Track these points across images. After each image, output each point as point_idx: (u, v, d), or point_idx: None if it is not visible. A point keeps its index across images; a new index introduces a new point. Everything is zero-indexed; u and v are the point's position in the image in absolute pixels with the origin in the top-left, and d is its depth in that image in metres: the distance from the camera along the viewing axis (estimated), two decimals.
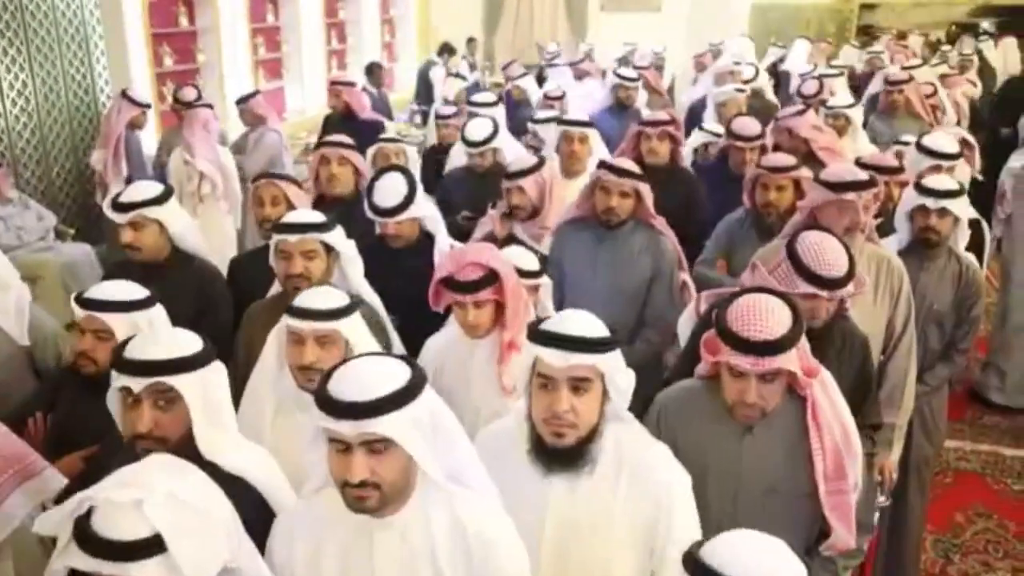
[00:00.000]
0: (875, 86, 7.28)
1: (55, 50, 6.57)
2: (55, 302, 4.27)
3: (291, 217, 2.74)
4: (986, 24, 11.59)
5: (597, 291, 3.18)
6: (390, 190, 3.09)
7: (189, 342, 1.84)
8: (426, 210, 3.21)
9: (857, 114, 5.45)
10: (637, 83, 6.19)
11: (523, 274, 2.69)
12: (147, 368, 1.76)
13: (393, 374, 1.55)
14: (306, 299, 2.19)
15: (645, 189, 3.22)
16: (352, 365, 1.59)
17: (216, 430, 1.84)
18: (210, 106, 5.63)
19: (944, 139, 3.90)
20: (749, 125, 4.34)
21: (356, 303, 2.28)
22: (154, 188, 2.94)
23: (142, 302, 2.30)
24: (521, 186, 3.51)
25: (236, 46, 8.06)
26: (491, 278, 2.39)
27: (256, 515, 1.73)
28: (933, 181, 3.18)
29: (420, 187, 3.20)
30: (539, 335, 1.80)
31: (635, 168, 3.24)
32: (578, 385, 1.77)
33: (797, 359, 1.96)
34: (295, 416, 2.17)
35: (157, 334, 1.97)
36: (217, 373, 1.87)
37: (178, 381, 1.77)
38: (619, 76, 6.16)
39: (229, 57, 7.99)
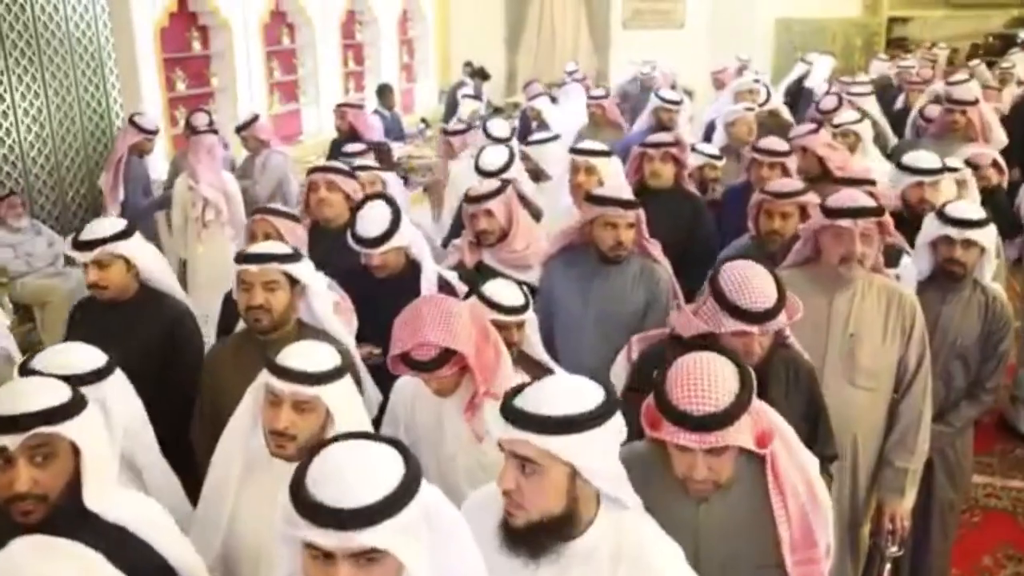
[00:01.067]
0: (902, 103, 7.10)
1: (70, 76, 6.59)
2: (62, 327, 4.24)
3: (254, 247, 2.63)
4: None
5: (589, 324, 3.05)
6: (373, 220, 2.99)
7: (57, 389, 1.68)
8: (411, 238, 3.09)
9: (866, 130, 5.25)
10: (679, 105, 6.06)
11: (507, 310, 2.55)
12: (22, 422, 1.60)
13: (385, 471, 1.33)
14: (290, 356, 1.96)
15: (641, 215, 3.08)
16: (335, 459, 1.35)
17: (102, 479, 1.70)
18: (215, 131, 5.57)
19: (926, 156, 3.77)
20: (775, 142, 4.20)
21: (345, 366, 2.05)
22: (117, 223, 2.85)
23: (92, 375, 2.02)
24: (489, 209, 3.36)
25: (250, 69, 8.05)
26: (448, 355, 2.21)
27: (146, 564, 1.61)
28: (957, 209, 2.98)
29: (405, 216, 3.09)
30: (503, 406, 1.59)
31: (631, 196, 3.10)
32: (524, 464, 1.54)
33: (749, 429, 1.75)
34: (264, 481, 1.99)
35: (18, 385, 1.77)
36: (93, 418, 1.72)
37: (66, 429, 1.63)
38: (660, 98, 6.03)
39: (243, 81, 7.98)
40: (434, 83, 11.86)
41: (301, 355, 1.96)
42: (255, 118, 6.10)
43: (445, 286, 3.04)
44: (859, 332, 2.52)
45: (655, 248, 3.15)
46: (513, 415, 1.53)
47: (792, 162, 4.14)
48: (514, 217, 3.40)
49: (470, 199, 3.40)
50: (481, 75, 9.96)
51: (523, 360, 2.63)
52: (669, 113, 5.96)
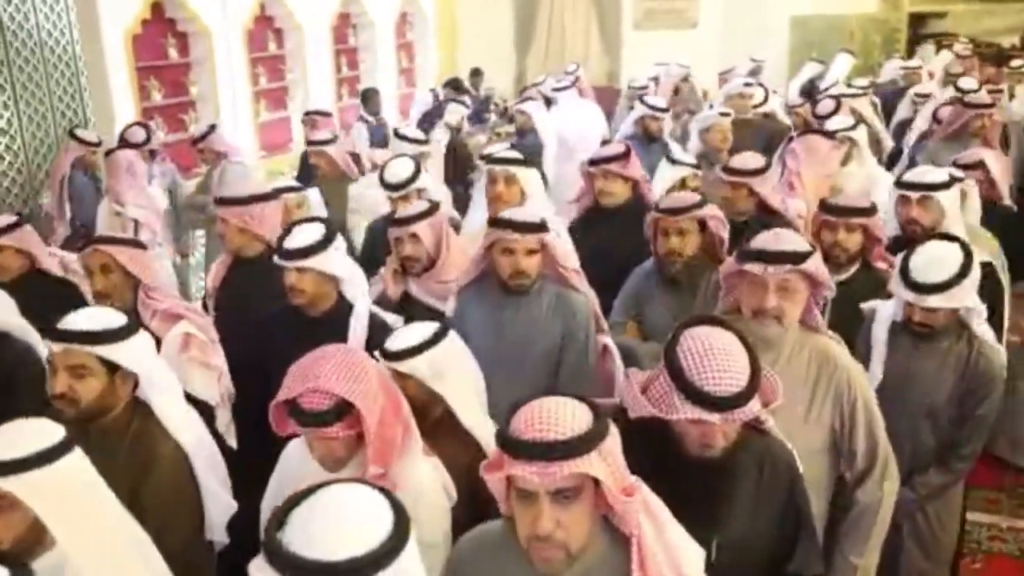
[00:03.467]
0: (904, 110, 6.65)
1: (42, 87, 6.37)
2: None
3: (63, 321, 2.12)
4: None
5: (503, 360, 2.72)
6: (303, 233, 2.74)
7: None
8: (343, 270, 2.79)
9: (862, 136, 4.85)
10: (666, 113, 5.70)
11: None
12: None
13: (377, 520, 1.27)
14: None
15: (551, 240, 2.73)
16: (322, 506, 1.29)
17: None
18: (136, 146, 5.27)
19: (921, 169, 3.42)
20: (746, 159, 3.80)
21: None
22: None
23: None
24: (415, 233, 3.03)
25: (233, 77, 7.79)
26: (344, 410, 1.89)
27: None
28: (919, 266, 2.47)
29: (341, 242, 2.80)
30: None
31: (535, 218, 2.74)
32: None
33: (604, 466, 1.46)
34: None
35: None
36: None
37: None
38: (646, 104, 5.65)
39: (225, 89, 7.73)
40: (437, 88, 11.57)
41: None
42: (211, 129, 5.86)
43: (382, 329, 2.70)
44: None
45: (576, 276, 2.80)
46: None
47: (762, 182, 3.74)
48: (444, 242, 3.07)
49: (395, 221, 3.09)
50: (455, 87, 9.46)
51: (446, 431, 2.27)
52: (657, 122, 5.61)
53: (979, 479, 3.20)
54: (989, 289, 3.07)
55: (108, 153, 5.23)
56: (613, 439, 1.51)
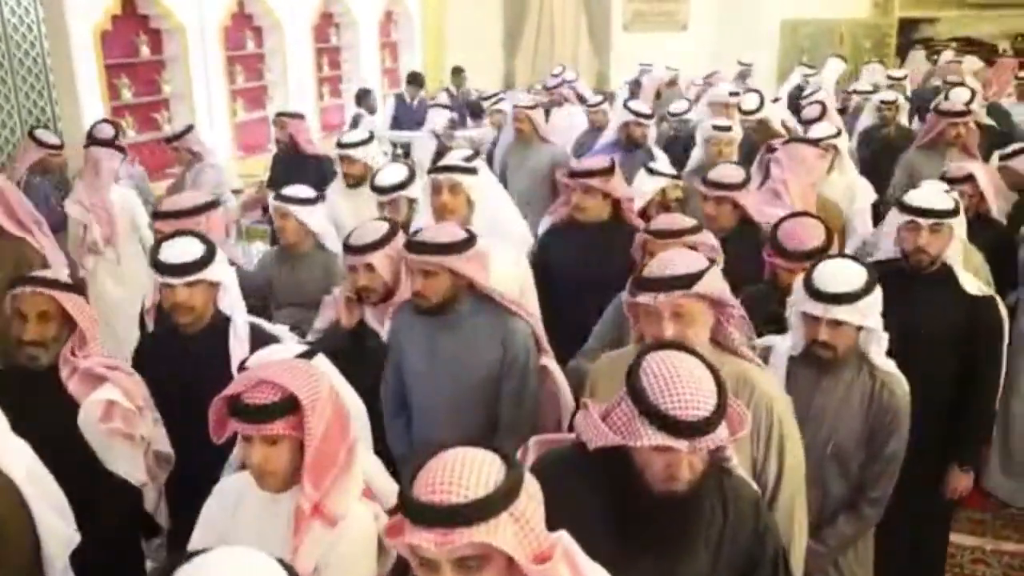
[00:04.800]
0: (867, 118, 6.49)
1: (7, 83, 6.17)
2: None
3: None
4: None
5: (439, 387, 2.55)
6: (182, 246, 2.54)
7: None
8: (228, 275, 2.61)
9: (844, 144, 4.69)
10: (651, 119, 5.45)
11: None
12: None
13: None
14: None
15: (459, 263, 2.48)
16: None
17: None
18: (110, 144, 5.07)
19: (931, 193, 3.04)
20: (727, 172, 3.57)
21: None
22: None
23: None
24: (370, 263, 2.81)
25: (208, 75, 7.60)
26: (289, 405, 1.75)
27: None
28: (824, 275, 2.32)
29: (221, 251, 2.61)
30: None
31: (442, 238, 2.51)
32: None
33: (513, 531, 1.31)
34: None
35: None
36: None
37: None
38: (630, 110, 5.41)
39: (200, 87, 7.54)
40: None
41: None
42: (188, 129, 5.67)
43: (269, 342, 2.49)
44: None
45: (513, 302, 2.61)
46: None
47: (745, 195, 3.56)
48: (402, 271, 2.84)
49: (348, 248, 2.85)
50: (417, 82, 9.14)
51: None
52: (641, 128, 5.40)
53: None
54: (988, 325, 2.92)
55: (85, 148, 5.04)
56: (529, 498, 1.35)
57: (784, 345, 2.46)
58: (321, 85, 9.38)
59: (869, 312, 2.31)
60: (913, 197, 2.94)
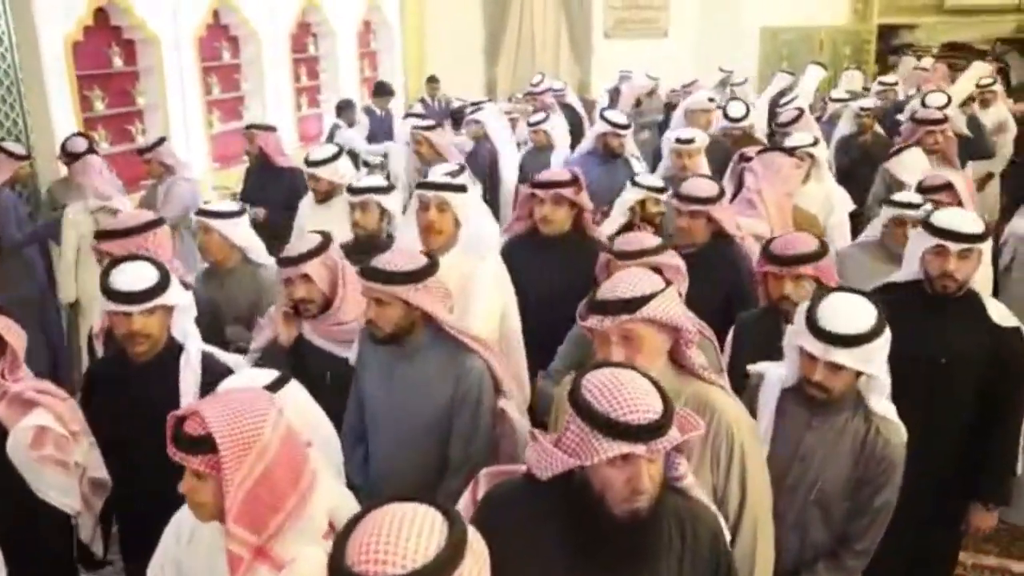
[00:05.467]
0: (845, 126, 6.48)
1: None
2: None
3: None
4: None
5: (394, 419, 2.47)
6: (135, 272, 2.44)
7: None
8: (181, 300, 2.53)
9: (821, 152, 4.66)
10: (627, 129, 5.41)
11: None
12: None
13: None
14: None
15: (411, 294, 2.38)
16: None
17: None
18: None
19: (960, 215, 2.87)
20: (699, 186, 3.52)
21: None
22: None
23: None
24: (306, 273, 2.74)
25: (183, 86, 7.51)
26: (209, 444, 1.68)
27: None
28: (827, 313, 2.16)
29: (174, 276, 2.53)
30: None
31: (397, 266, 2.41)
32: None
33: None
34: None
35: None
36: None
37: None
38: (607, 120, 5.36)
39: (175, 98, 7.44)
40: (401, 97, 11.33)
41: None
42: (160, 141, 5.61)
43: (223, 372, 2.42)
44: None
45: (472, 338, 2.51)
46: None
47: (721, 209, 3.51)
48: (340, 280, 2.79)
49: (282, 260, 2.79)
50: (384, 92, 9.01)
51: None
52: (618, 138, 5.35)
53: None
54: (1015, 356, 2.78)
55: (70, 161, 5.13)
56: (474, 560, 1.29)
57: (777, 373, 2.33)
58: (299, 95, 9.29)
59: (873, 358, 2.16)
60: (941, 219, 2.76)
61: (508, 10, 12.81)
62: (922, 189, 3.88)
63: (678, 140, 4.80)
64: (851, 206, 4.77)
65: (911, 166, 4.66)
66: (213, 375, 2.35)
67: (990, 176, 6.99)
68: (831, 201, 4.60)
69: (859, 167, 5.76)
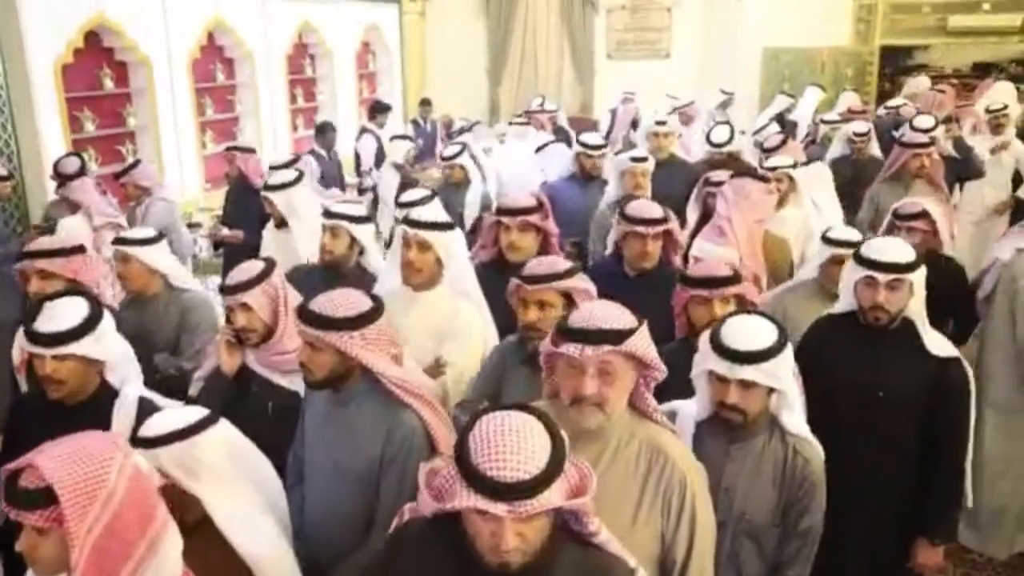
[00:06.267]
0: (837, 148, 6.39)
1: None
2: None
3: None
4: None
5: (327, 469, 2.36)
6: (61, 310, 2.37)
7: None
8: (110, 351, 2.44)
9: (800, 175, 4.58)
10: (600, 150, 5.36)
11: None
12: None
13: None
14: None
15: (344, 342, 2.25)
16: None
17: None
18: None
19: (888, 244, 2.81)
20: (644, 208, 3.46)
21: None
22: None
23: None
24: (245, 302, 2.68)
25: (176, 108, 7.54)
26: (48, 498, 1.57)
27: None
28: (732, 331, 2.18)
29: (109, 320, 2.45)
30: None
31: (333, 310, 2.27)
32: None
33: None
34: None
35: None
36: None
37: None
38: (581, 143, 5.32)
39: (167, 120, 7.47)
40: (401, 119, 11.35)
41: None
42: (135, 164, 5.62)
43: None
44: (603, 504, 1.73)
45: (412, 392, 2.37)
46: None
47: (676, 228, 3.45)
48: (282, 308, 2.72)
49: (224, 289, 2.73)
50: (379, 109, 8.83)
51: (206, 539, 1.93)
52: (591, 160, 5.31)
53: None
54: (954, 387, 2.73)
55: (62, 183, 5.13)
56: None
57: (690, 409, 2.29)
58: (295, 116, 9.31)
59: (780, 372, 2.15)
60: (870, 249, 2.73)
61: (511, 31, 12.83)
62: (897, 216, 3.80)
63: (633, 159, 4.73)
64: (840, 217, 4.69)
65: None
66: (145, 417, 2.28)
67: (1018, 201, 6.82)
68: (809, 226, 4.50)
69: (852, 187, 5.68)
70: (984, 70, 10.73)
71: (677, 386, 2.24)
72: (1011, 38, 10.71)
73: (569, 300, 2.59)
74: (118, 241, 3.45)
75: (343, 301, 2.30)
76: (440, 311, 3.11)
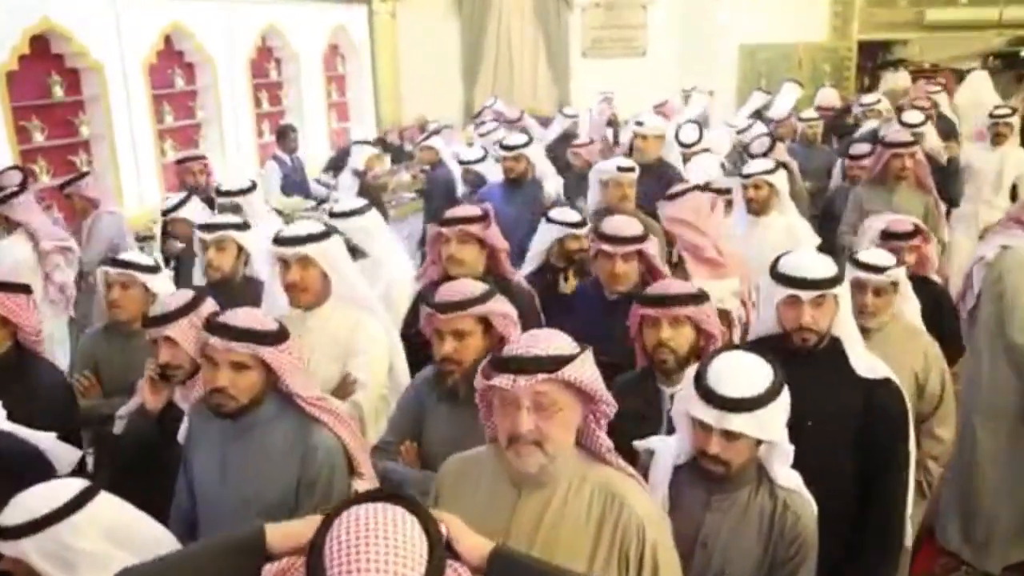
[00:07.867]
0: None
1: None
2: None
3: None
4: None
5: (230, 507, 2.14)
6: None
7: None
8: None
9: (781, 181, 4.34)
10: (517, 151, 5.13)
11: None
12: None
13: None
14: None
15: (275, 356, 2.09)
16: None
17: None
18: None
19: (809, 261, 2.53)
20: (621, 224, 3.18)
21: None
22: None
23: None
24: (170, 336, 2.47)
25: (131, 115, 7.25)
26: None
27: None
28: (721, 377, 1.90)
29: None
30: None
31: (254, 325, 2.10)
32: None
33: None
34: None
35: None
36: None
37: None
38: (501, 146, 5.12)
39: (122, 128, 7.18)
40: (373, 121, 11.09)
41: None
42: (81, 175, 5.35)
43: (35, 461, 2.12)
44: (551, 555, 1.52)
45: (319, 407, 2.19)
46: None
47: (654, 245, 3.20)
48: None
49: (147, 321, 2.51)
50: (283, 134, 7.78)
51: None
52: (508, 162, 5.14)
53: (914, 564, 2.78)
54: (886, 414, 2.45)
55: (2, 200, 4.70)
56: None
57: (668, 450, 2.05)
58: (260, 121, 9.03)
59: (773, 423, 1.89)
60: (789, 265, 2.46)
61: (485, 30, 12.60)
62: (886, 235, 3.49)
63: (620, 168, 4.45)
64: (815, 240, 4.42)
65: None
66: (12, 458, 2.03)
67: None
68: (794, 234, 4.25)
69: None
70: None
71: (633, 427, 2.01)
72: (987, 32, 10.59)
73: (488, 327, 2.35)
74: (116, 263, 3.10)
75: (257, 316, 2.16)
76: (337, 326, 2.92)
